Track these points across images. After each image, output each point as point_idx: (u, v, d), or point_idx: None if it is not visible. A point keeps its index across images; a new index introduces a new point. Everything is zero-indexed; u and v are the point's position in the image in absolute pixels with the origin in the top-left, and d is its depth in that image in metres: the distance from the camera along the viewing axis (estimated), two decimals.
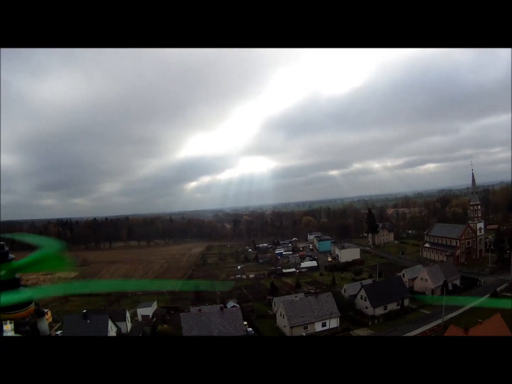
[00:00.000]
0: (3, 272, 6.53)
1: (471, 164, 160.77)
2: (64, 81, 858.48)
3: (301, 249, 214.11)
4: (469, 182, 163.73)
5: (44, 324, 7.21)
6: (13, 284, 6.64)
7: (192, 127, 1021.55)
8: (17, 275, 6.85)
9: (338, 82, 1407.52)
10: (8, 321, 6.46)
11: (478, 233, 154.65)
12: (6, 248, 6.69)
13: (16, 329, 6.51)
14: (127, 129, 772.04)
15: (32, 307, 6.92)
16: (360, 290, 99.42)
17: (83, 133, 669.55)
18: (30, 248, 7.08)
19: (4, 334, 6.39)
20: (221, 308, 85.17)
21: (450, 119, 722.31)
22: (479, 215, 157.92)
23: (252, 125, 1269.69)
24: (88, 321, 79.46)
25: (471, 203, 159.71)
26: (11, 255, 6.70)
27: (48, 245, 7.09)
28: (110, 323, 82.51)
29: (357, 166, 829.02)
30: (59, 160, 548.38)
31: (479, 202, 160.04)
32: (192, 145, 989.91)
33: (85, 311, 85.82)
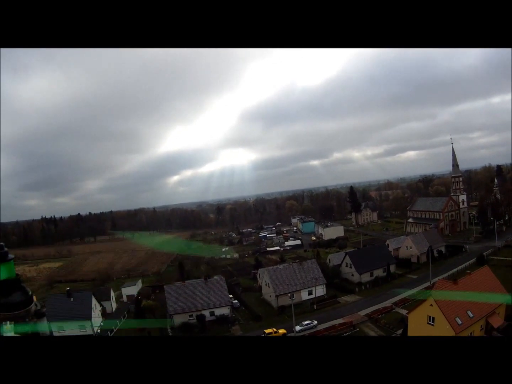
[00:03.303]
0: (3, 272, 6.51)
1: (451, 138, 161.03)
2: (44, 80, 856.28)
3: (285, 231, 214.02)
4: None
5: (44, 325, 7.11)
6: (13, 283, 6.64)
7: (171, 121, 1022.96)
8: (17, 275, 6.90)
9: (312, 73, 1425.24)
10: (8, 321, 6.37)
11: (461, 206, 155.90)
12: (6, 249, 6.75)
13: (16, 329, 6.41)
14: (107, 126, 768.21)
15: (32, 307, 6.90)
16: (344, 257, 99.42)
17: (63, 132, 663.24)
18: None
19: (4, 334, 6.32)
20: (205, 279, 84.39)
21: (425, 105, 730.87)
22: (461, 187, 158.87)
23: (230, 117, 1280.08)
24: (72, 299, 78.22)
25: (452, 175, 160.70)
26: (10, 255, 6.76)
27: None
28: (94, 301, 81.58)
29: (337, 155, 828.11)
30: (41, 159, 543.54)
31: (460, 174, 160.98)
32: (172, 139, 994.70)
33: (68, 288, 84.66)
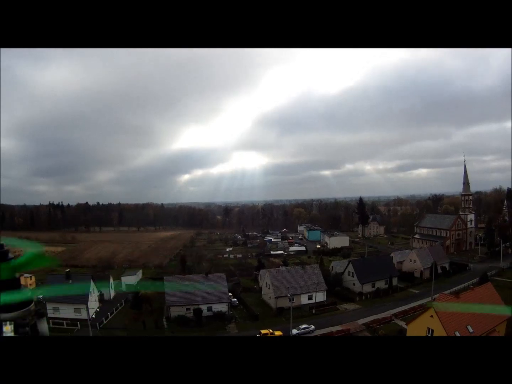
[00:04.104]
0: (3, 272, 5.81)
1: (464, 156, 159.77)
2: (64, 69, 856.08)
3: (290, 237, 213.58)
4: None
5: (44, 325, 6.51)
6: (13, 283, 5.96)
7: (186, 120, 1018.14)
8: (17, 275, 6.17)
9: (329, 83, 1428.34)
10: (7, 322, 5.79)
11: (469, 225, 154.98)
12: (6, 247, 5.98)
13: (15, 330, 5.87)
14: (122, 119, 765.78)
15: (32, 307, 6.28)
16: (347, 265, 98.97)
17: (79, 121, 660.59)
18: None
19: (4, 335, 5.77)
20: (206, 274, 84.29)
21: (441, 125, 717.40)
22: (470, 206, 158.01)
23: (245, 121, 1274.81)
24: (70, 281, 78.05)
25: (462, 193, 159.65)
26: (10, 255, 5.97)
27: (30, 247, 6.50)
28: (92, 285, 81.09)
29: (349, 167, 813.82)
30: (54, 146, 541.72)
31: (471, 193, 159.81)
32: (186, 137, 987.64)
33: (68, 270, 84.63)
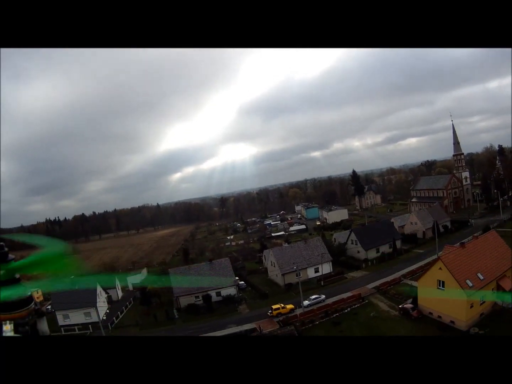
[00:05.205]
0: (3, 272, 6.51)
1: (451, 116, 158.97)
2: (43, 85, 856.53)
3: (289, 218, 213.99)
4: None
5: (44, 324, 7.20)
6: (13, 284, 6.59)
7: (170, 119, 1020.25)
8: (17, 275, 6.84)
9: (308, 65, 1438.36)
10: (7, 321, 6.38)
11: (464, 182, 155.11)
12: (6, 249, 6.72)
13: (15, 329, 6.45)
14: (107, 128, 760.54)
15: (32, 307, 6.93)
16: (349, 234, 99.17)
17: (65, 135, 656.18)
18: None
19: (4, 334, 6.30)
20: (210, 261, 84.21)
21: (424, 92, 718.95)
22: (463, 164, 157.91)
23: (229, 113, 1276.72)
24: (77, 287, 77.26)
25: (454, 153, 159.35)
26: (11, 255, 6.72)
27: (51, 246, 7.10)
28: (99, 288, 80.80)
29: (338, 145, 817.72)
30: (44, 164, 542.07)
31: (462, 152, 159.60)
32: (172, 137, 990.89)
33: (72, 276, 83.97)
